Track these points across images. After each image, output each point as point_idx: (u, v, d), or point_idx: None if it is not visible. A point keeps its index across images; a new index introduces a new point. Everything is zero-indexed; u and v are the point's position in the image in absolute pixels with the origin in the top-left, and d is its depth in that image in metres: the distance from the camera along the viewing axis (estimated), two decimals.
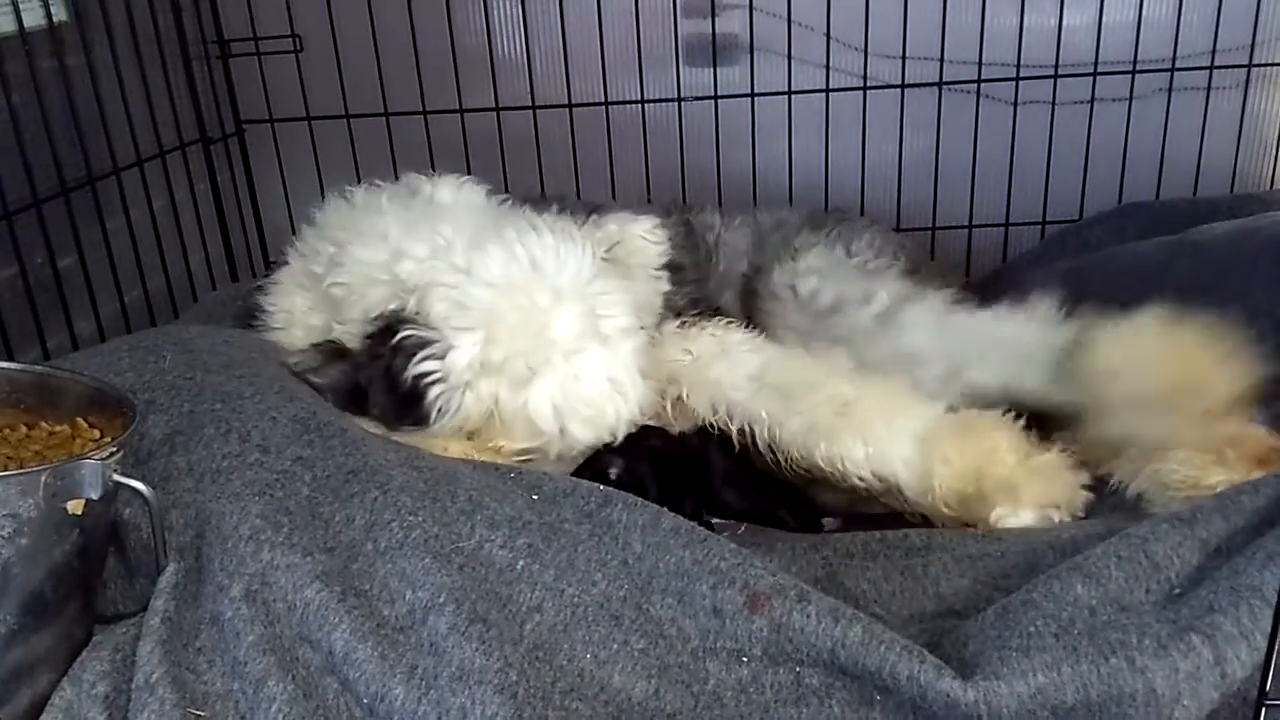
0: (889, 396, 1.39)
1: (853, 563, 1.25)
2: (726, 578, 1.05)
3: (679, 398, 1.44)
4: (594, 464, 1.37)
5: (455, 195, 1.51)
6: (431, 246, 1.37)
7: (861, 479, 1.34)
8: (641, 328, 1.41)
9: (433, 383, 1.31)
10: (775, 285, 1.65)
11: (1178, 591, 0.99)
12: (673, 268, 1.66)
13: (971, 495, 1.29)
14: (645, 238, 1.51)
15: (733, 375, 1.42)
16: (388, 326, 1.34)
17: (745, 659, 1.02)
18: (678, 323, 1.52)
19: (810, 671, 1.01)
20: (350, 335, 1.39)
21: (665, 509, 1.15)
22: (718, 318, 1.55)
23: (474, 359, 1.30)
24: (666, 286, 1.53)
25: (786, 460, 1.38)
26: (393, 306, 1.35)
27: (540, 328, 1.31)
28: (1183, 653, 0.90)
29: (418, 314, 1.33)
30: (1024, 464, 1.30)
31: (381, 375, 1.34)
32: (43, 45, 1.64)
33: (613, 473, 1.36)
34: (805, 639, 1.00)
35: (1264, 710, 0.87)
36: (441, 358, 1.31)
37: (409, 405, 1.33)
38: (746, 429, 1.40)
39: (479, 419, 1.32)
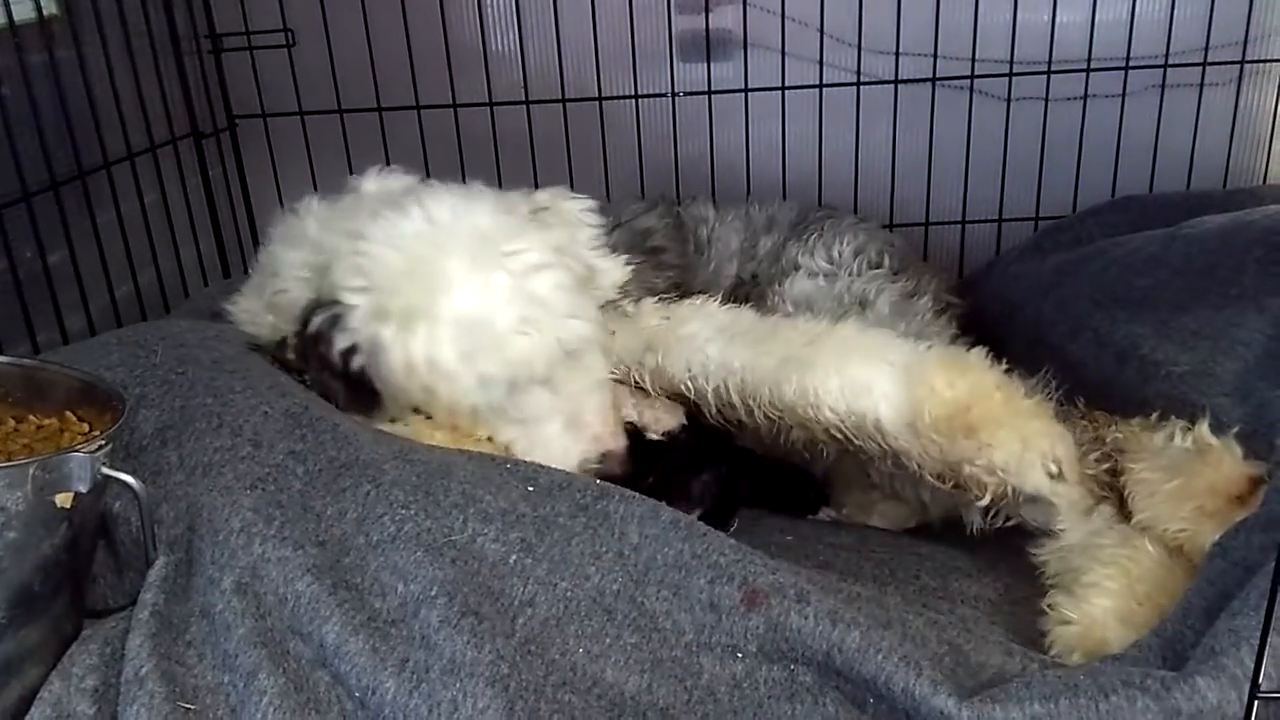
0: (864, 332, 1.36)
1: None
2: (725, 573, 1.05)
3: (656, 365, 1.42)
4: (683, 475, 1.37)
5: (378, 185, 1.50)
6: (341, 231, 1.37)
7: (834, 411, 1.29)
8: (568, 269, 1.37)
9: (350, 352, 1.30)
10: (774, 310, 1.61)
11: (1189, 636, 0.99)
12: (654, 250, 1.65)
13: (959, 428, 1.25)
14: (578, 214, 1.47)
15: (705, 329, 1.40)
16: (307, 319, 1.35)
17: (740, 655, 1.02)
18: (656, 299, 1.50)
19: (804, 670, 1.01)
20: (295, 338, 1.39)
21: (663, 503, 1.15)
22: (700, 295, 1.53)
23: (373, 312, 1.29)
24: (613, 267, 1.48)
25: (760, 407, 1.34)
26: (311, 297, 1.36)
27: (431, 271, 1.29)
28: (1187, 695, 0.89)
29: (330, 296, 1.33)
30: (1014, 402, 1.26)
31: (321, 370, 1.33)
32: (33, 38, 1.63)
33: (695, 488, 1.37)
34: (801, 640, 1.00)
35: (1255, 703, 0.87)
36: (349, 326, 1.31)
37: (358, 390, 1.32)
38: (721, 386, 1.37)
39: (410, 381, 1.30)
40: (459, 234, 1.31)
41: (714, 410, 1.39)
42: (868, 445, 1.31)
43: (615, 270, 1.48)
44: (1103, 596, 1.13)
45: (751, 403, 1.35)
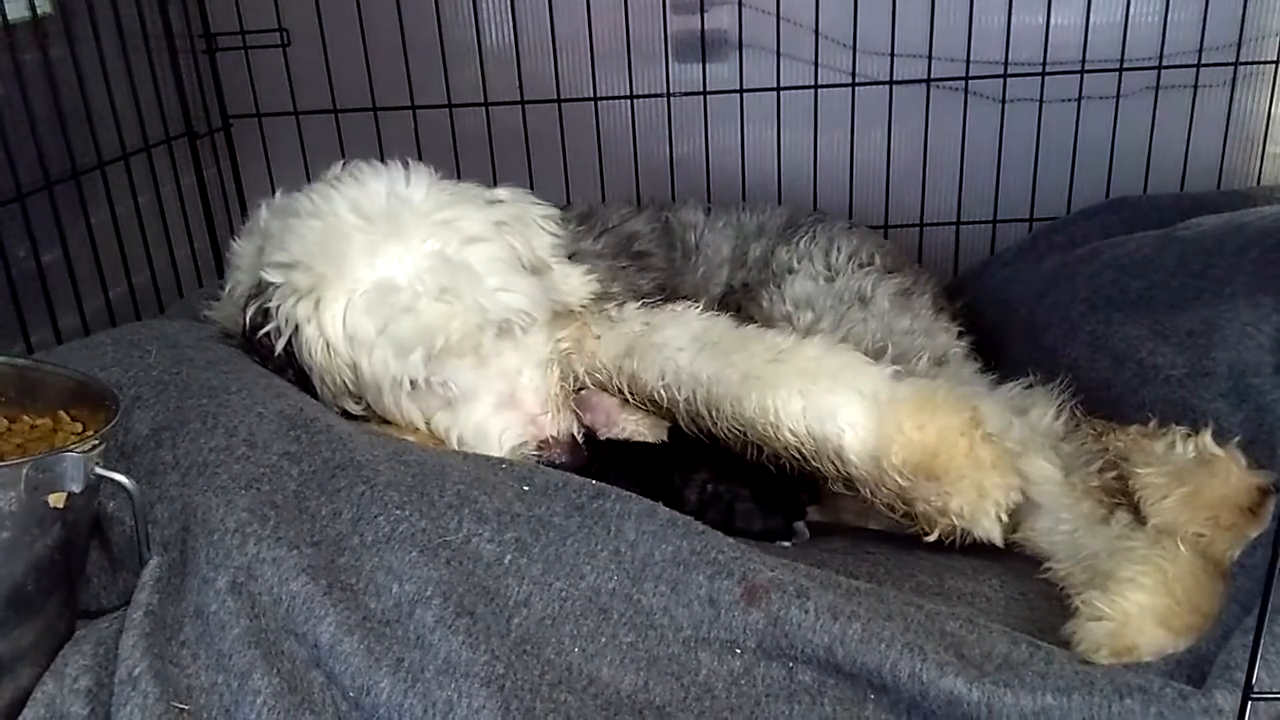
0: (832, 353, 1.34)
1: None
2: (724, 569, 1.05)
3: (633, 371, 1.40)
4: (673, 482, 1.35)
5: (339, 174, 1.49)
6: (283, 213, 1.38)
7: (794, 433, 1.28)
8: (509, 246, 1.36)
9: (277, 335, 1.30)
10: (770, 313, 1.61)
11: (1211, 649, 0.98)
12: (640, 255, 1.64)
13: (923, 472, 1.24)
14: (538, 219, 1.45)
15: (679, 337, 1.39)
16: (245, 307, 1.35)
17: (738, 650, 1.02)
18: (640, 302, 1.49)
19: (803, 668, 1.00)
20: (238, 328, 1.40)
21: (660, 504, 1.14)
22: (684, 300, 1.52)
23: (292, 287, 1.29)
24: (572, 274, 1.45)
25: (722, 420, 1.33)
26: (252, 284, 1.36)
27: (350, 239, 1.29)
28: (1203, 707, 0.89)
29: (263, 280, 1.33)
30: (976, 452, 1.25)
31: (267, 360, 1.33)
32: (27, 37, 1.63)
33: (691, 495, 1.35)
34: (802, 634, 1.00)
35: (1249, 704, 0.88)
36: (270, 306, 1.31)
37: (302, 379, 1.32)
38: (691, 396, 1.35)
39: (331, 360, 1.30)
40: (388, 204, 1.32)
41: (686, 419, 1.38)
42: (824, 467, 1.30)
43: (574, 278, 1.45)
44: (1138, 592, 1.10)
45: (715, 415, 1.34)
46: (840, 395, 1.28)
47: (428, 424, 1.34)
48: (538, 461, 1.30)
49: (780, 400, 1.29)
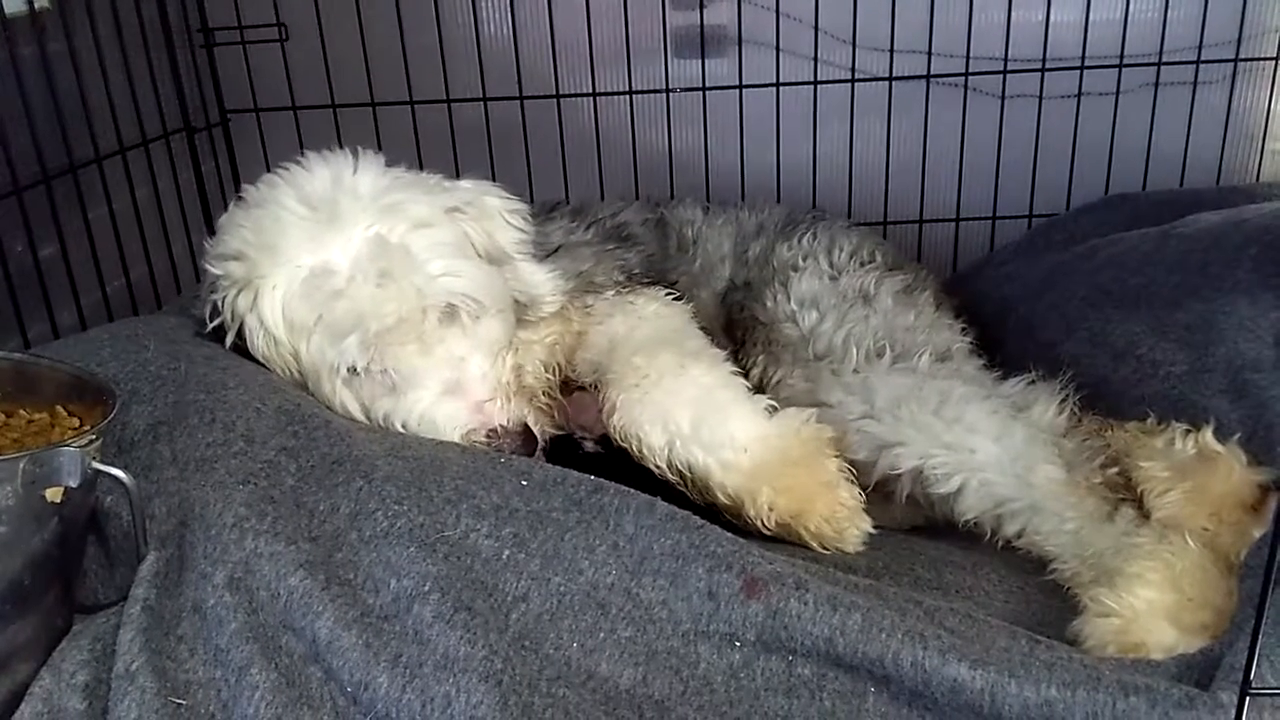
0: (705, 393, 1.33)
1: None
2: (723, 562, 1.05)
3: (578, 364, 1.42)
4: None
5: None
6: (235, 206, 1.38)
7: (658, 467, 1.31)
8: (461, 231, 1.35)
9: (221, 329, 1.31)
10: (774, 313, 1.59)
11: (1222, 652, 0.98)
12: (630, 239, 1.65)
13: (789, 522, 1.28)
14: (503, 214, 1.42)
15: (602, 337, 1.40)
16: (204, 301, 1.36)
17: (738, 643, 1.02)
18: (613, 291, 1.49)
19: (803, 661, 1.00)
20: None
21: (659, 498, 1.14)
22: (658, 287, 1.53)
23: (235, 278, 1.29)
24: (536, 271, 1.43)
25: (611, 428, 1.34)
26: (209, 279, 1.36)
27: (280, 234, 1.28)
28: (1209, 709, 0.89)
29: (213, 271, 1.34)
30: (837, 494, 1.28)
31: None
32: (24, 31, 1.62)
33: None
34: (801, 626, 1.00)
35: (1246, 699, 0.88)
36: (213, 298, 1.31)
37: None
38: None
39: (275, 351, 1.30)
40: (332, 192, 1.31)
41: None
42: (690, 493, 1.31)
43: (538, 274, 1.43)
44: (1146, 588, 1.09)
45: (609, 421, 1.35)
46: (706, 440, 1.30)
47: (366, 414, 1.31)
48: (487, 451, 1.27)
49: (643, 433, 1.31)
